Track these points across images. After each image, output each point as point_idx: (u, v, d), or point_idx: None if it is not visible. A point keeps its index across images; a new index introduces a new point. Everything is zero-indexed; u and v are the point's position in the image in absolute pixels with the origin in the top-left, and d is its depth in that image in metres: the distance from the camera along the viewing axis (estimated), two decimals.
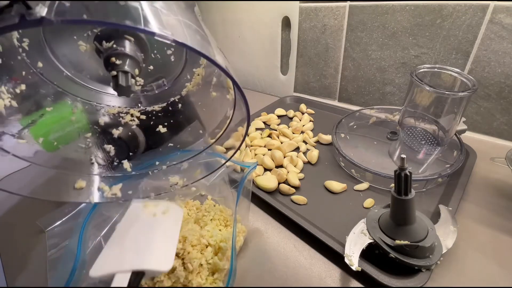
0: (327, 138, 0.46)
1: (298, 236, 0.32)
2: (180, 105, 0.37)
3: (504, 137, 0.44)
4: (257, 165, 0.36)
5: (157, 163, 0.33)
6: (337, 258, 0.28)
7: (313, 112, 0.57)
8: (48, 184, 0.27)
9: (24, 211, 0.40)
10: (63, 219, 0.34)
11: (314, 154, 0.42)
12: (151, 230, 0.24)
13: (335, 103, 0.62)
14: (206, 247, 0.27)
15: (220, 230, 0.30)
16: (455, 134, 0.39)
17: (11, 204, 0.42)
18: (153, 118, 0.36)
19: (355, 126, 0.47)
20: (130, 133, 0.38)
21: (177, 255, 0.25)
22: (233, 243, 0.26)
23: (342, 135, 0.45)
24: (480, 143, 0.43)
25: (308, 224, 0.31)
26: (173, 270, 0.25)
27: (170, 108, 0.37)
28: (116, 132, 0.30)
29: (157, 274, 0.22)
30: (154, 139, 0.41)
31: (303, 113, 0.57)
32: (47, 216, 0.34)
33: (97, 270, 0.20)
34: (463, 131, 0.39)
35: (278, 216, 0.34)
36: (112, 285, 0.18)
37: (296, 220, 0.32)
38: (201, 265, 0.26)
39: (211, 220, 0.32)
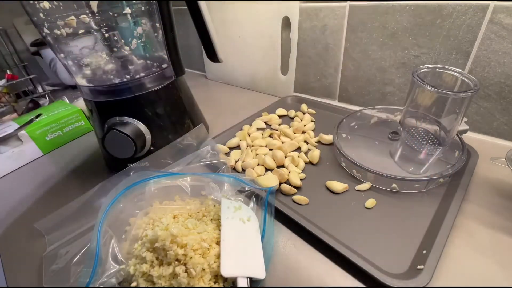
0: (328, 138, 0.46)
1: (298, 235, 0.32)
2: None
3: (504, 137, 0.44)
4: (274, 187, 0.37)
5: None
6: (338, 258, 0.28)
7: (314, 112, 0.57)
8: None
9: (24, 211, 0.40)
10: (62, 220, 0.34)
11: (315, 154, 0.42)
12: (246, 238, 0.29)
13: (335, 103, 0.62)
14: (208, 250, 0.27)
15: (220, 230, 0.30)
16: (457, 134, 0.39)
17: (12, 204, 0.42)
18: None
19: (356, 126, 0.47)
20: (137, 131, 0.38)
21: (178, 260, 0.25)
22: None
23: (344, 135, 0.45)
24: (480, 143, 0.43)
25: (309, 224, 0.31)
26: (175, 276, 0.25)
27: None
28: None
29: (257, 279, 0.27)
30: (160, 138, 0.42)
31: (304, 113, 0.57)
32: (45, 218, 0.34)
33: (227, 272, 0.25)
34: (465, 131, 0.39)
35: (279, 216, 0.34)
36: (238, 285, 0.24)
37: (297, 220, 0.32)
38: (203, 269, 0.26)
39: (211, 220, 0.32)
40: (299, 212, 0.33)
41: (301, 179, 0.39)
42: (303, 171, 0.41)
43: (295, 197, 0.36)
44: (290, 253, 0.30)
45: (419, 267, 0.26)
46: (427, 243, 0.28)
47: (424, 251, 0.27)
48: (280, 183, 0.38)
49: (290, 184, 0.38)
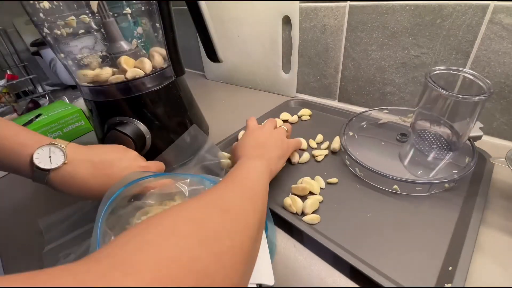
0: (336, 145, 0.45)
1: (300, 243, 0.32)
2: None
3: (504, 137, 0.44)
4: None
5: None
6: (336, 258, 0.28)
7: (316, 116, 0.56)
8: None
9: (24, 211, 0.40)
10: (63, 218, 0.34)
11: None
12: None
13: (336, 103, 0.62)
14: None
15: None
16: (469, 140, 0.37)
17: (11, 204, 0.42)
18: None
19: (365, 126, 0.47)
20: (137, 131, 0.38)
21: None
22: None
23: (351, 134, 0.45)
24: (480, 143, 0.43)
25: (307, 227, 0.31)
26: None
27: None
28: None
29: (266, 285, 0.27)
30: (160, 138, 0.42)
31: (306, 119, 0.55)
32: (48, 216, 0.34)
33: None
34: (479, 137, 0.37)
35: (279, 216, 0.34)
36: None
37: (293, 222, 0.32)
38: None
39: None
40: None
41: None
42: None
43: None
44: (290, 253, 0.30)
45: (447, 285, 0.24)
46: (451, 258, 0.26)
47: (450, 268, 0.25)
48: None
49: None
